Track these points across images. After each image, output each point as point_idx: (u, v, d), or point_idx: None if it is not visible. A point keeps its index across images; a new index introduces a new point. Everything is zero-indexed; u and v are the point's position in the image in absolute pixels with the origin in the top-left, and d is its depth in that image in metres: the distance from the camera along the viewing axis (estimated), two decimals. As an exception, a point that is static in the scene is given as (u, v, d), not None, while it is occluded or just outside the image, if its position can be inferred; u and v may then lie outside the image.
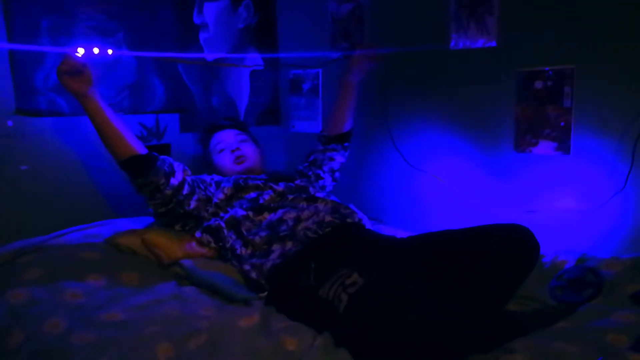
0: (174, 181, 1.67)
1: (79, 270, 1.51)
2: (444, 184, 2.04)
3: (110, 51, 1.64)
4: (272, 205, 1.74)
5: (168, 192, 1.66)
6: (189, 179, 1.72)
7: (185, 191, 1.70)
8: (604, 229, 1.71)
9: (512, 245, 1.38)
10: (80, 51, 1.50)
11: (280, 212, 1.69)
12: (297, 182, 1.90)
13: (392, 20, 2.15)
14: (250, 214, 1.70)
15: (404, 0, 2.10)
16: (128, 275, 1.55)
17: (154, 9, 2.07)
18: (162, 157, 1.67)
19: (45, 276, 1.46)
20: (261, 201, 1.75)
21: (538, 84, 1.79)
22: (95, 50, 1.54)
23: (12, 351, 1.26)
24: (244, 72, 2.43)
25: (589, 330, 1.20)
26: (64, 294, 1.41)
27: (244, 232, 1.66)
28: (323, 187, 2.03)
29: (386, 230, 1.91)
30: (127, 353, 1.22)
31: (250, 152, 1.98)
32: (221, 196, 1.77)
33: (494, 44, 1.87)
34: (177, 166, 1.70)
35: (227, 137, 1.99)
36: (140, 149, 1.62)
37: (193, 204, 1.72)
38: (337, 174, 2.08)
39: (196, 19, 2.23)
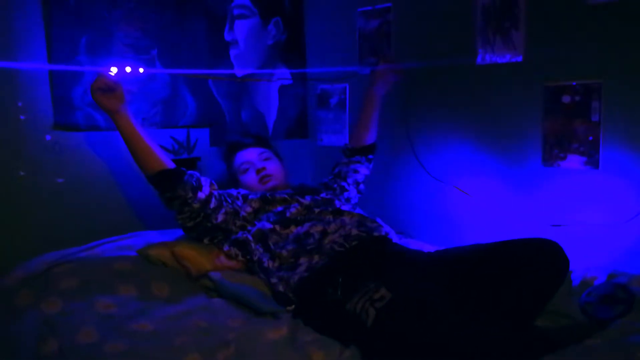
0: (201, 195, 1.70)
1: (111, 280, 1.55)
2: (471, 198, 2.03)
3: (141, 70, 1.69)
4: (298, 218, 1.75)
5: (196, 205, 1.69)
6: (216, 192, 1.75)
7: (212, 205, 1.72)
8: (635, 244, 1.68)
9: (542, 260, 1.37)
10: (113, 70, 1.56)
11: (307, 225, 1.70)
12: (323, 195, 1.92)
13: (419, 35, 2.16)
14: (277, 227, 1.72)
15: (431, 16, 2.11)
16: (158, 287, 1.58)
17: (187, 26, 2.13)
18: (189, 171, 1.71)
19: (79, 286, 1.50)
20: (288, 214, 1.76)
21: (565, 99, 1.77)
22: (128, 69, 1.60)
23: (47, 359, 1.30)
24: (272, 87, 2.47)
25: (620, 347, 1.18)
26: (97, 304, 1.45)
27: (271, 245, 1.67)
28: (348, 200, 2.04)
29: (413, 244, 1.91)
30: (157, 363, 1.24)
31: (275, 170, 1.99)
32: (248, 209, 1.79)
33: (520, 58, 1.86)
34: (205, 180, 1.73)
35: (251, 156, 2.01)
36: (168, 163, 1.66)
37: (220, 217, 1.74)
38: (362, 186, 2.09)
39: (227, 36, 2.28)
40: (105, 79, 1.55)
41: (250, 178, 1.97)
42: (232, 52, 2.31)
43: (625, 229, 1.69)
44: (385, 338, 1.26)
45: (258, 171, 1.96)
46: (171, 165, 1.67)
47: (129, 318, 1.41)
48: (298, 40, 2.53)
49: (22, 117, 1.77)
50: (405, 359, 1.22)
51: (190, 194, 1.67)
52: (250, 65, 2.38)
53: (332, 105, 2.50)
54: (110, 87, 1.56)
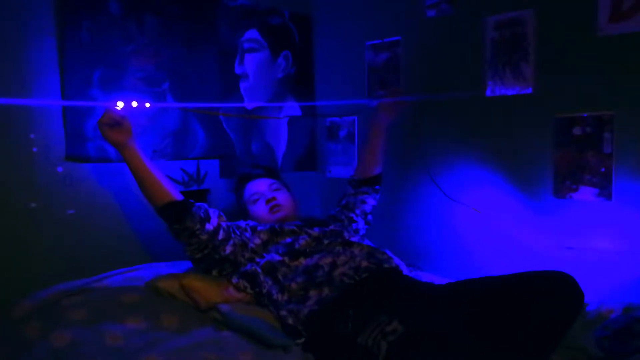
0: (209, 227, 1.70)
1: (120, 312, 1.53)
2: (483, 230, 2.01)
3: (147, 104, 1.71)
4: (307, 250, 1.74)
5: (203, 237, 1.68)
6: (224, 224, 1.75)
7: (220, 236, 1.72)
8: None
9: (556, 293, 1.35)
10: (120, 105, 1.58)
11: (316, 257, 1.70)
12: (332, 227, 1.91)
13: (428, 68, 2.19)
14: (286, 259, 1.71)
15: (440, 49, 2.14)
16: (167, 319, 1.56)
17: (198, 60, 2.17)
18: (197, 203, 1.71)
19: (87, 318, 1.49)
20: (297, 246, 1.76)
21: (577, 130, 1.78)
22: (134, 104, 1.61)
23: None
24: (282, 120, 2.50)
25: (639, 383, 1.15)
26: (105, 337, 1.43)
27: (280, 278, 1.66)
28: (357, 231, 2.03)
29: (424, 276, 1.89)
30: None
31: (284, 200, 2.00)
32: (257, 241, 1.78)
33: (530, 90, 1.88)
34: (213, 212, 1.73)
35: (261, 187, 2.01)
36: (176, 195, 1.67)
37: (229, 249, 1.74)
38: (369, 217, 2.09)
39: (237, 69, 2.32)
40: (111, 114, 1.57)
41: (260, 208, 1.97)
42: (242, 85, 2.34)
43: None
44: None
45: (268, 201, 1.96)
46: (179, 197, 1.67)
47: (138, 351, 1.39)
48: (307, 73, 2.56)
49: (34, 150, 1.78)
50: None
51: (198, 226, 1.67)
52: (260, 98, 2.40)
53: (340, 138, 2.51)
54: (117, 122, 1.58)
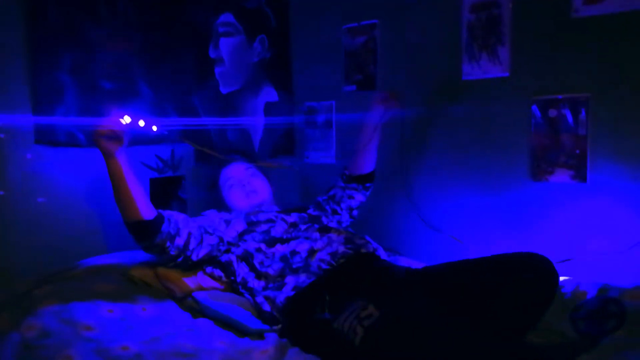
0: (179, 241, 1.63)
1: (93, 302, 1.50)
2: (464, 210, 2.01)
3: (155, 128, 1.59)
4: (284, 236, 1.73)
5: (174, 253, 1.64)
6: (195, 232, 1.68)
7: (192, 246, 1.66)
8: (625, 257, 1.67)
9: (531, 273, 1.35)
10: (126, 119, 1.49)
11: (293, 243, 1.68)
12: (310, 211, 1.89)
13: (405, 52, 2.17)
14: (263, 246, 1.69)
15: (417, 33, 2.12)
16: (142, 308, 1.54)
17: (172, 44, 2.12)
18: (167, 216, 1.62)
19: (59, 308, 1.45)
20: (273, 233, 1.74)
21: (552, 112, 1.78)
22: (141, 123, 1.53)
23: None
24: (258, 105, 2.46)
25: (613, 363, 1.16)
26: (78, 326, 1.40)
27: (257, 265, 1.65)
28: (340, 222, 2.01)
29: (402, 261, 1.89)
30: (139, 386, 1.21)
31: (260, 186, 1.97)
32: (233, 234, 1.76)
33: (506, 74, 1.87)
34: (183, 222, 1.66)
35: (236, 172, 1.98)
36: (146, 214, 1.57)
37: (202, 252, 1.69)
38: (355, 212, 2.05)
39: (212, 53, 2.27)
40: (113, 128, 1.48)
41: (236, 194, 1.94)
42: (217, 70, 2.30)
43: (614, 241, 1.68)
44: (373, 357, 1.23)
45: (243, 187, 1.94)
46: (149, 215, 1.57)
47: (111, 340, 1.37)
48: (284, 57, 2.53)
49: (1, 135, 1.73)
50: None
51: (168, 243, 1.61)
52: (235, 83, 2.36)
53: (318, 123, 2.49)
54: (117, 135, 1.50)
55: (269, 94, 2.49)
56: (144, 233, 1.58)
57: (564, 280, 1.55)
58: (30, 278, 1.60)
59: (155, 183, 2.07)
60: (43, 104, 1.80)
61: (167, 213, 1.64)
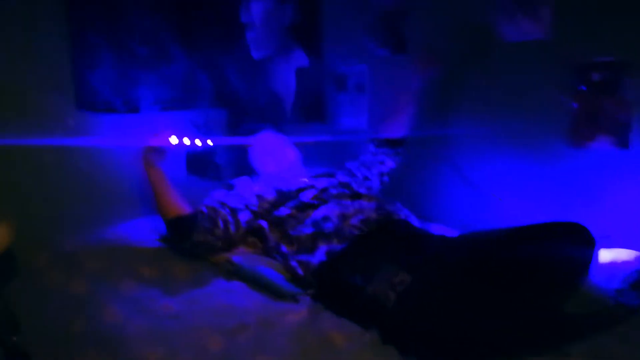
0: (219, 232, 1.68)
1: (134, 263, 1.56)
2: (500, 178, 1.99)
3: (199, 142, 1.74)
4: (316, 202, 1.74)
5: (218, 243, 1.68)
6: (230, 218, 1.71)
7: (233, 229, 1.71)
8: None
9: (568, 243, 1.33)
10: (174, 140, 1.64)
11: (323, 208, 1.69)
12: (340, 178, 1.89)
13: (439, 14, 2.10)
14: (294, 212, 1.71)
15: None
16: (180, 269, 1.59)
17: (203, 8, 2.10)
18: (201, 209, 1.68)
19: (104, 268, 1.52)
20: (303, 198, 1.75)
21: (595, 76, 1.72)
22: (186, 142, 1.68)
23: (76, 338, 1.33)
24: (290, 70, 2.44)
25: (650, 333, 1.15)
26: (121, 285, 1.47)
27: (289, 230, 1.67)
28: (370, 188, 2.01)
29: (436, 228, 1.88)
30: (179, 344, 1.26)
31: (292, 152, 1.99)
32: (266, 206, 1.78)
33: (547, 36, 1.80)
34: (215, 211, 1.70)
35: (268, 140, 2.00)
36: (183, 210, 1.64)
37: (241, 231, 1.74)
38: (385, 178, 2.04)
39: (243, 18, 2.25)
40: (161, 148, 1.63)
41: (268, 161, 1.96)
42: (249, 35, 2.28)
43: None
44: (405, 321, 1.24)
45: (275, 154, 1.95)
46: (185, 211, 1.64)
47: (152, 300, 1.43)
48: (315, 22, 2.48)
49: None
50: (426, 342, 1.20)
51: (210, 237, 1.65)
52: (266, 48, 2.34)
53: (350, 88, 2.46)
54: (161, 151, 1.64)
55: (300, 58, 2.47)
56: (183, 229, 1.63)
57: (603, 250, 1.52)
58: (75, 238, 1.66)
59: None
60: (83, 69, 1.82)
61: (200, 209, 1.68)
